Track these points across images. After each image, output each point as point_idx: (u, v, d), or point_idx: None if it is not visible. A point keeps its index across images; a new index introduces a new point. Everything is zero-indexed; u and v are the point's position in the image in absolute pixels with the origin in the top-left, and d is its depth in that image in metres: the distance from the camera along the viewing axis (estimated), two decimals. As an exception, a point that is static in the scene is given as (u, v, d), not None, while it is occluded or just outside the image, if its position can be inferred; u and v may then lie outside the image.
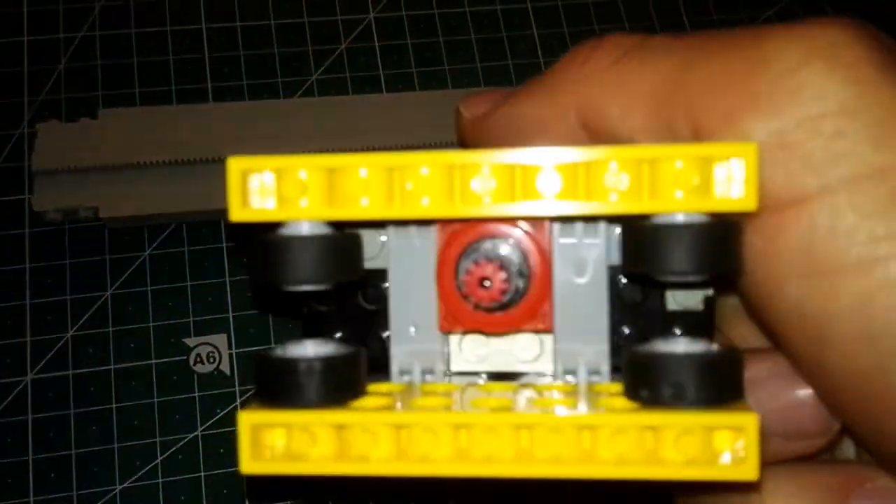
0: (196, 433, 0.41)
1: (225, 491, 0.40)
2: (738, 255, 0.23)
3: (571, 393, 0.25)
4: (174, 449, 0.40)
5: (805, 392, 0.25)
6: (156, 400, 0.41)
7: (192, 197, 0.43)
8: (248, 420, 0.23)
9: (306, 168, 0.24)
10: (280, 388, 0.23)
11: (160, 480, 0.40)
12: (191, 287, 0.43)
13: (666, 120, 0.24)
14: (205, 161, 0.43)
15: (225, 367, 0.42)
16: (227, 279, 0.43)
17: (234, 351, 0.42)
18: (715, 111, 0.23)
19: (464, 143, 0.30)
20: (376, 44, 0.49)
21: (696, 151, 0.22)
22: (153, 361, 0.42)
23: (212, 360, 0.42)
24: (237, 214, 0.23)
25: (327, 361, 0.23)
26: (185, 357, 0.42)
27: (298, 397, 0.23)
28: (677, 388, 0.22)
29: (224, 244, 0.44)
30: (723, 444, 0.22)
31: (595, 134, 0.26)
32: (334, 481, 0.24)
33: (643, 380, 0.23)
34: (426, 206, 0.23)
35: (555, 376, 0.27)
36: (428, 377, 0.27)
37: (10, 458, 0.39)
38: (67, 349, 0.41)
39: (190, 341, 0.42)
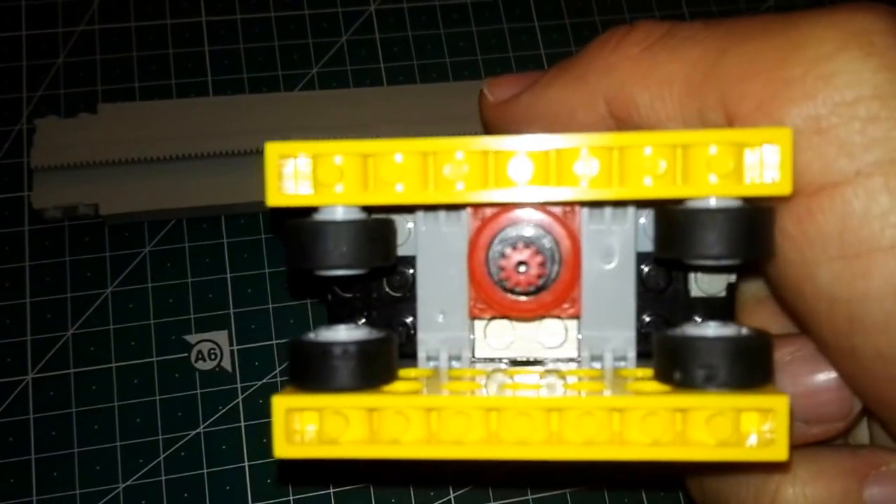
0: (198, 430, 0.40)
1: (228, 487, 0.39)
2: (771, 239, 0.23)
3: (598, 378, 0.26)
4: (176, 446, 0.40)
5: (827, 376, 0.26)
6: (157, 397, 0.40)
7: (193, 192, 0.42)
8: (282, 404, 0.23)
9: (341, 153, 0.23)
10: (314, 372, 0.23)
11: (163, 478, 0.39)
12: (191, 283, 0.42)
13: (697, 107, 0.24)
14: (206, 156, 0.42)
15: (226, 364, 0.41)
16: (228, 275, 0.43)
17: (235, 347, 0.42)
18: (749, 97, 0.23)
19: (487, 126, 0.30)
20: (377, 36, 0.49)
21: (731, 137, 0.22)
22: (154, 359, 0.41)
23: (213, 356, 0.41)
24: (274, 199, 0.23)
25: (361, 345, 0.23)
26: (186, 354, 0.41)
27: (332, 381, 0.23)
28: (711, 370, 0.23)
29: (225, 240, 0.43)
30: (750, 426, 0.22)
31: (623, 121, 0.26)
32: (365, 465, 0.25)
33: (676, 363, 0.23)
34: (461, 191, 0.23)
35: (580, 362, 0.27)
36: (454, 363, 0.27)
37: (12, 457, 0.39)
38: (68, 347, 0.41)
39: (191, 338, 0.42)
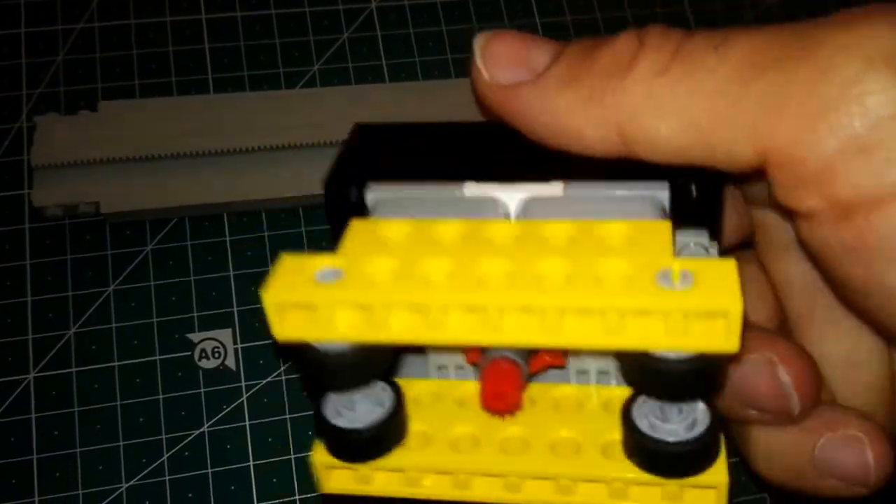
0: (202, 429, 0.40)
1: (232, 487, 0.39)
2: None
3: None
4: (180, 446, 0.39)
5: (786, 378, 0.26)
6: (161, 396, 0.40)
7: (195, 190, 0.42)
8: (322, 462, 0.24)
9: (340, 306, 0.22)
10: (342, 449, 0.24)
11: (167, 478, 0.39)
12: (194, 281, 0.42)
13: (724, 141, 0.24)
14: (208, 154, 0.42)
15: (230, 363, 0.41)
16: (231, 273, 0.42)
17: (239, 346, 0.41)
18: (782, 131, 0.23)
19: (482, 104, 0.28)
20: (378, 33, 0.48)
21: (685, 306, 0.21)
22: (157, 357, 0.41)
23: (217, 355, 0.41)
24: (279, 336, 0.22)
25: (384, 425, 0.24)
26: (189, 353, 0.41)
27: (362, 456, 0.24)
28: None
29: (227, 237, 0.43)
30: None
31: (633, 146, 0.25)
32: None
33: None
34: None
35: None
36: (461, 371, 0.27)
37: (14, 457, 0.38)
38: (70, 346, 0.40)
39: (194, 337, 0.41)
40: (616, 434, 0.24)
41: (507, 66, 0.27)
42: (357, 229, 0.24)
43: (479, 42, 0.27)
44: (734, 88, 0.23)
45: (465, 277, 0.22)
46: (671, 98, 0.24)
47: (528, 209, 0.25)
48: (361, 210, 0.26)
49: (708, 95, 0.24)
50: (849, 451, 0.27)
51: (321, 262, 0.22)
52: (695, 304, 0.20)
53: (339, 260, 0.23)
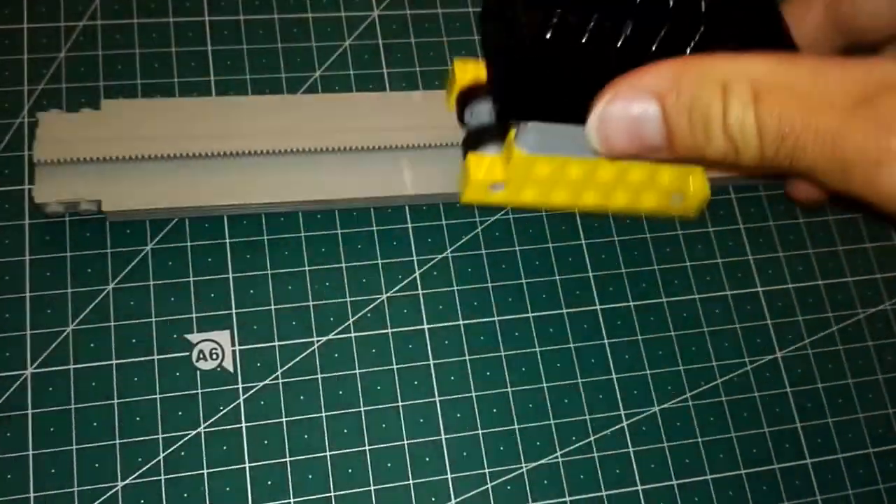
0: (199, 430, 0.40)
1: (227, 489, 0.39)
2: None
3: None
4: (176, 446, 0.39)
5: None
6: (158, 396, 0.40)
7: (197, 192, 0.42)
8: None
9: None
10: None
11: (162, 477, 0.39)
12: (193, 282, 0.42)
13: None
14: (212, 155, 0.42)
15: (228, 364, 0.41)
16: (231, 275, 0.42)
17: (237, 348, 0.41)
18: None
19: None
20: (380, 41, 0.48)
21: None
22: (155, 357, 0.41)
23: (215, 356, 0.41)
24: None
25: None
26: (187, 353, 0.41)
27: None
28: None
29: (227, 239, 0.43)
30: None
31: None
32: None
33: None
34: None
35: None
36: None
37: (10, 453, 0.38)
38: (68, 343, 0.40)
39: (192, 337, 0.41)
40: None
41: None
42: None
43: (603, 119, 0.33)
44: None
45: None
46: None
47: None
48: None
49: None
50: None
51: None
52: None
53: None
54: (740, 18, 0.35)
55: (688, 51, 0.35)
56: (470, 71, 0.39)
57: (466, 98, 0.41)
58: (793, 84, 0.31)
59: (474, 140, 0.40)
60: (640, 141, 0.34)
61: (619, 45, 0.34)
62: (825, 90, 0.30)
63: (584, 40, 0.34)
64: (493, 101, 0.38)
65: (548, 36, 0.34)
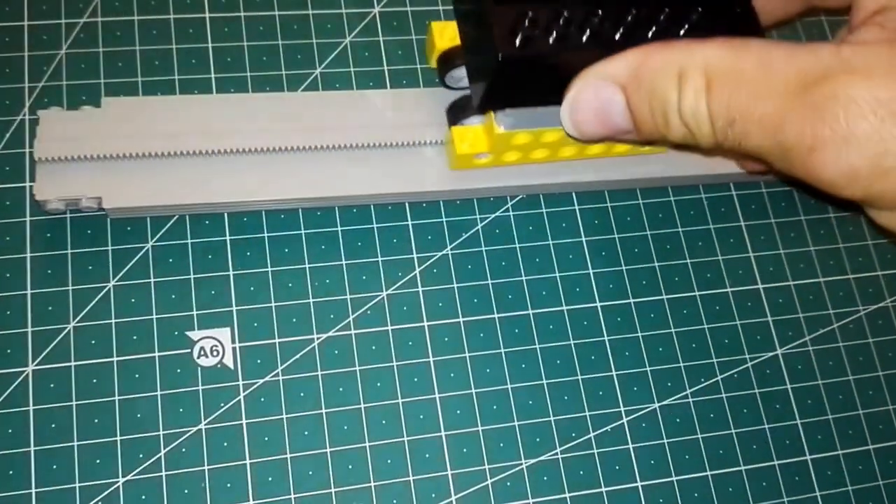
0: (199, 427, 0.40)
1: (228, 485, 0.39)
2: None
3: None
4: (177, 442, 0.39)
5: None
6: (159, 393, 0.40)
7: (199, 190, 0.42)
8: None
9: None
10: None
11: (163, 474, 0.39)
12: (194, 280, 0.42)
13: None
14: (213, 153, 0.42)
15: (228, 362, 0.41)
16: (231, 272, 0.42)
17: (237, 345, 0.41)
18: None
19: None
20: (380, 38, 0.48)
21: None
22: (156, 354, 0.41)
23: (215, 353, 0.41)
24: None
25: None
26: (188, 350, 0.41)
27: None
28: None
29: (228, 237, 0.43)
30: None
31: None
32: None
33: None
34: None
35: None
36: None
37: (12, 449, 0.38)
38: (69, 340, 0.40)
39: (193, 334, 0.41)
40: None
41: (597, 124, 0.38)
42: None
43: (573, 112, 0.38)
44: None
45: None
46: None
47: None
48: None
49: None
50: None
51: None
52: None
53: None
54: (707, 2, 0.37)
55: (649, 35, 0.35)
56: (448, 34, 0.41)
57: (447, 61, 0.42)
58: (741, 71, 0.32)
59: (457, 112, 0.41)
60: (609, 125, 0.36)
61: (585, 37, 0.35)
62: (770, 77, 0.31)
63: (551, 39, 0.35)
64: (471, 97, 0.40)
65: (517, 42, 0.34)
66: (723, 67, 0.32)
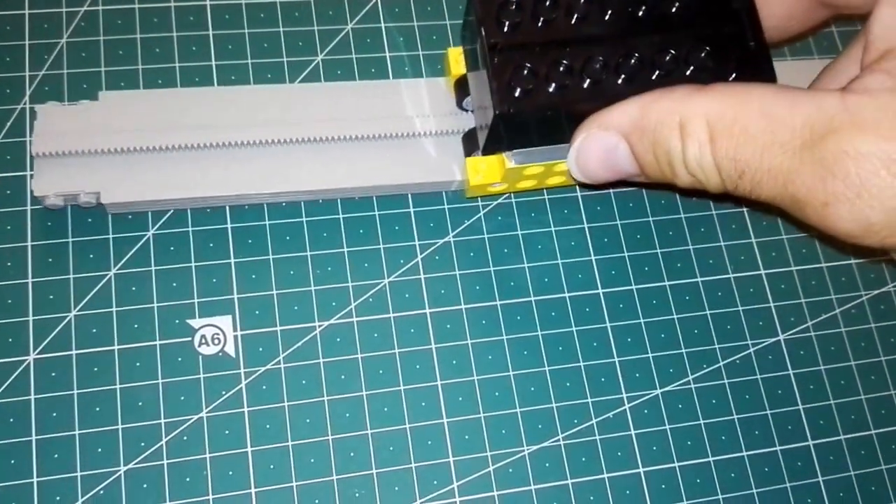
0: (201, 415, 0.39)
1: (230, 473, 0.39)
2: None
3: None
4: (179, 430, 0.39)
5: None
6: (160, 381, 0.39)
7: (198, 183, 0.41)
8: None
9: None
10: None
11: (165, 462, 0.38)
12: (195, 268, 0.41)
13: None
14: (211, 146, 0.41)
15: (230, 350, 0.40)
16: (232, 260, 0.42)
17: (239, 333, 0.41)
18: None
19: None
20: (382, 25, 0.48)
21: None
22: (157, 342, 0.40)
23: (217, 341, 0.40)
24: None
25: None
26: (189, 338, 0.40)
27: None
28: None
29: (229, 225, 0.42)
30: None
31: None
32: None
33: None
34: None
35: None
36: None
37: (13, 438, 0.38)
38: (70, 329, 0.40)
39: (194, 322, 0.41)
40: None
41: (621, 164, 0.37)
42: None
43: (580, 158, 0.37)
44: None
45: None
46: None
47: None
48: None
49: None
50: None
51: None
52: None
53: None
54: (710, 35, 0.36)
55: (653, 77, 0.35)
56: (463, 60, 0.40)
57: (463, 86, 0.41)
58: (745, 124, 0.31)
59: (471, 142, 0.40)
60: (616, 171, 0.36)
61: (586, 84, 0.34)
62: (775, 129, 0.30)
63: (551, 88, 0.34)
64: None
65: (517, 93, 0.34)
66: (725, 120, 0.31)
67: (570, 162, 0.37)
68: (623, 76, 0.35)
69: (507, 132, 0.37)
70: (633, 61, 0.35)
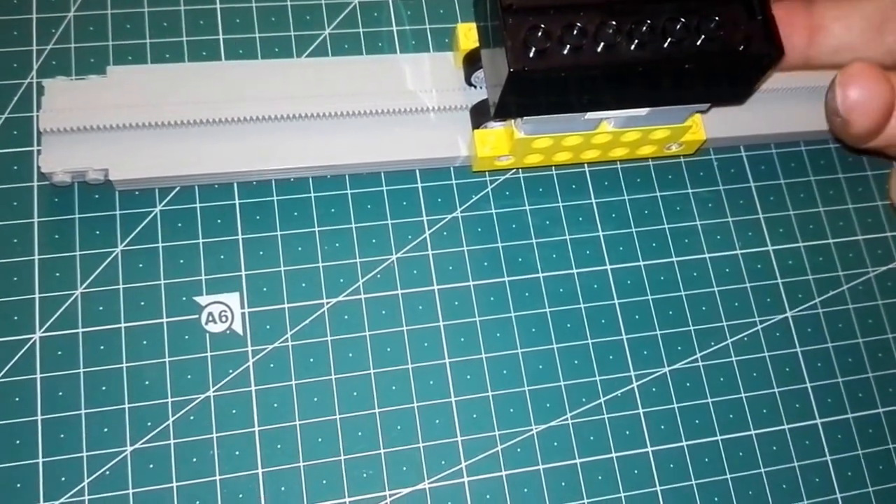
0: (208, 394, 0.37)
1: (237, 452, 0.36)
2: None
3: None
4: (186, 410, 0.36)
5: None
6: (167, 359, 0.37)
7: (207, 159, 0.38)
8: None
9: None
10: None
11: (171, 441, 0.36)
12: (202, 244, 0.38)
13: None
14: (220, 122, 0.38)
15: (237, 327, 0.38)
16: (240, 237, 0.39)
17: (246, 310, 0.38)
18: None
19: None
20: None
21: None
22: (164, 320, 0.37)
23: (224, 319, 0.38)
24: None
25: None
26: (196, 316, 0.37)
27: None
28: None
29: (237, 201, 0.39)
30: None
31: None
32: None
33: None
34: None
35: None
36: None
37: (19, 417, 0.35)
38: (77, 306, 0.37)
39: (202, 300, 0.38)
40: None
41: (869, 114, 0.33)
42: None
43: (841, 89, 0.33)
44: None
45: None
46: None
47: (624, 123, 0.38)
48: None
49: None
50: None
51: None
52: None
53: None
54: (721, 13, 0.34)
55: (665, 45, 0.33)
56: (473, 35, 0.38)
57: (472, 62, 0.38)
58: None
59: (480, 115, 0.38)
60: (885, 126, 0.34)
61: (600, 48, 0.31)
62: None
63: (566, 51, 0.32)
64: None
65: (530, 54, 0.31)
66: None
67: (838, 103, 0.33)
68: (636, 41, 0.32)
69: (519, 94, 0.34)
70: (644, 28, 0.32)
